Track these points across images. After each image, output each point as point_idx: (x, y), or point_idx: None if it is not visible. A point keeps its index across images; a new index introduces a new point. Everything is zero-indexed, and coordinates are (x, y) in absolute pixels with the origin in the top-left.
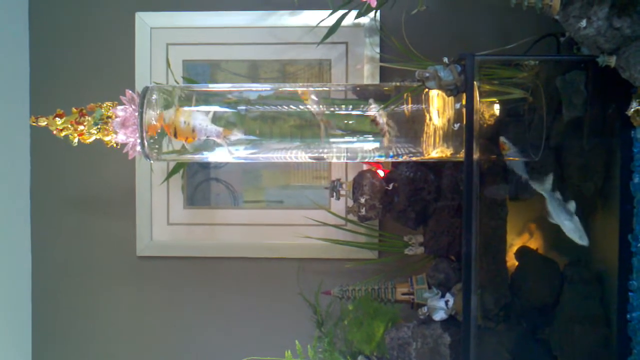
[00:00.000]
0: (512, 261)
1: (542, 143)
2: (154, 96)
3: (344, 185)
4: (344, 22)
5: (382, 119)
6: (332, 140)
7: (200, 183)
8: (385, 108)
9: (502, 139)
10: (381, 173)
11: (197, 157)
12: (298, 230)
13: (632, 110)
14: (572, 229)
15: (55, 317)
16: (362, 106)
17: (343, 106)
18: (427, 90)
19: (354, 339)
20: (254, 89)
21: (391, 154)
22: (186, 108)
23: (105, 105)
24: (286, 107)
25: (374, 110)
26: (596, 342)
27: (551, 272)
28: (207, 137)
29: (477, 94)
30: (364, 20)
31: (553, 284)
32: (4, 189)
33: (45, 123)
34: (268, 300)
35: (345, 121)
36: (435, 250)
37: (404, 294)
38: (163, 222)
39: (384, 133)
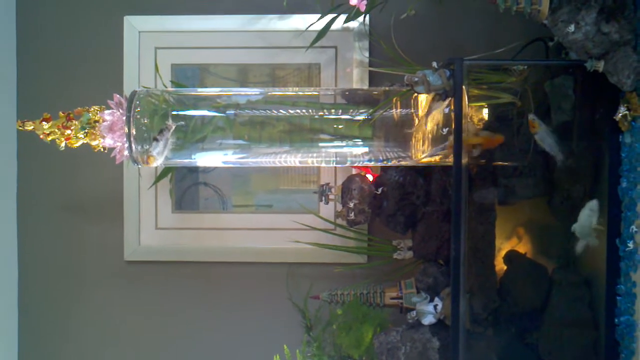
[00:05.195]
0: (500, 265)
1: (530, 147)
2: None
3: (333, 190)
4: (333, 26)
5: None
6: (321, 144)
7: (188, 187)
8: (374, 112)
9: (531, 116)
10: (370, 177)
11: (186, 161)
12: (287, 234)
13: (620, 114)
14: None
15: (42, 322)
16: (351, 110)
17: (333, 110)
18: (416, 94)
19: (343, 343)
20: (243, 93)
21: (380, 158)
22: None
23: (92, 109)
24: (275, 112)
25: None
26: (584, 346)
27: (540, 276)
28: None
29: (465, 98)
30: (353, 24)
31: (541, 288)
32: None
33: (32, 127)
34: (257, 305)
35: (335, 125)
36: (424, 255)
37: (392, 298)
38: (151, 226)
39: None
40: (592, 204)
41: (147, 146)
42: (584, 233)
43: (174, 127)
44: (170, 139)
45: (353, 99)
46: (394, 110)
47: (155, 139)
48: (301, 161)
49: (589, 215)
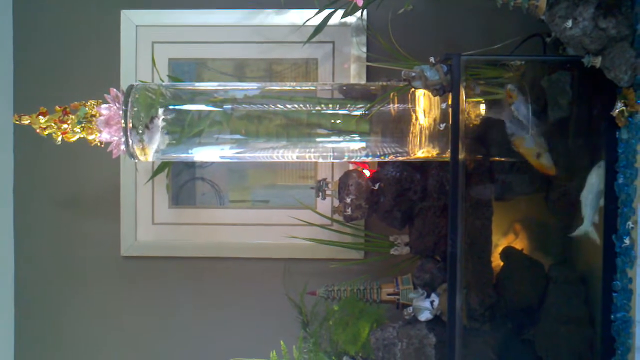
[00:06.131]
0: (497, 261)
1: None
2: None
3: (329, 185)
4: (331, 22)
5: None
6: (318, 139)
7: (185, 182)
8: (371, 107)
9: (509, 86)
10: (367, 173)
11: (183, 155)
12: (284, 230)
13: (617, 110)
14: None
15: (38, 317)
16: (348, 105)
17: (330, 105)
18: (413, 89)
19: (339, 339)
20: (240, 87)
21: (377, 153)
22: None
23: (89, 103)
24: (272, 106)
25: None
26: (580, 343)
27: (536, 273)
28: None
29: (463, 93)
30: (351, 19)
31: (538, 284)
32: None
33: (29, 121)
34: (253, 301)
35: (332, 120)
36: (420, 251)
37: (389, 294)
38: (148, 221)
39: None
40: (600, 164)
41: (144, 139)
42: (592, 196)
43: (163, 115)
44: (162, 127)
45: (350, 94)
46: (391, 105)
47: (147, 127)
48: (298, 156)
49: (597, 175)
